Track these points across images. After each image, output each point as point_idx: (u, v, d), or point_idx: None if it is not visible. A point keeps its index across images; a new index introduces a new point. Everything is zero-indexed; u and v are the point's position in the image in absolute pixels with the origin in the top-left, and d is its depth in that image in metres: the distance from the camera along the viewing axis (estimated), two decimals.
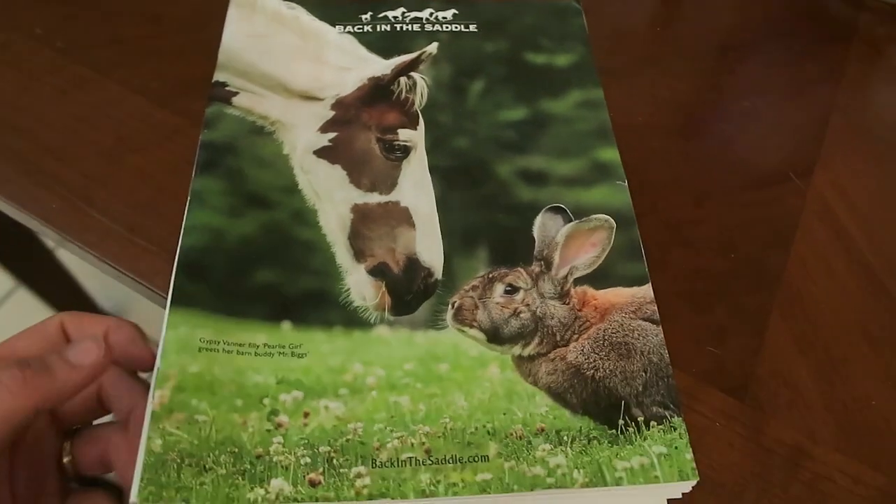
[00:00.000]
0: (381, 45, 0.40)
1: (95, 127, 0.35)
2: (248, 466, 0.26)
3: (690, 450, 0.28)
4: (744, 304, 0.33)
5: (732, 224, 0.36)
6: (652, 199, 0.36)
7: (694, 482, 0.27)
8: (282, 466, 0.26)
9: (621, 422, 0.29)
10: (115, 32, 0.39)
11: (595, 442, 0.28)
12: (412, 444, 0.27)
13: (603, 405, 0.29)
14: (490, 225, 0.34)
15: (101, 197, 0.33)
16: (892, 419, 0.30)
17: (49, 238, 0.34)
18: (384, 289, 0.31)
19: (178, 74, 0.37)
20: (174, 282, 0.30)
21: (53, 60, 0.37)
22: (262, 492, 0.26)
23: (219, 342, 0.29)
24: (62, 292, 0.95)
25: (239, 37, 0.38)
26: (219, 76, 0.37)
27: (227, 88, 0.36)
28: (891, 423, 0.30)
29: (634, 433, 0.28)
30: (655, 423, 0.29)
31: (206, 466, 0.26)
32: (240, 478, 0.26)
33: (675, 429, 0.28)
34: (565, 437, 0.28)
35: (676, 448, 0.28)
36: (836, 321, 0.33)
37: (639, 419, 0.29)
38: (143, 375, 0.28)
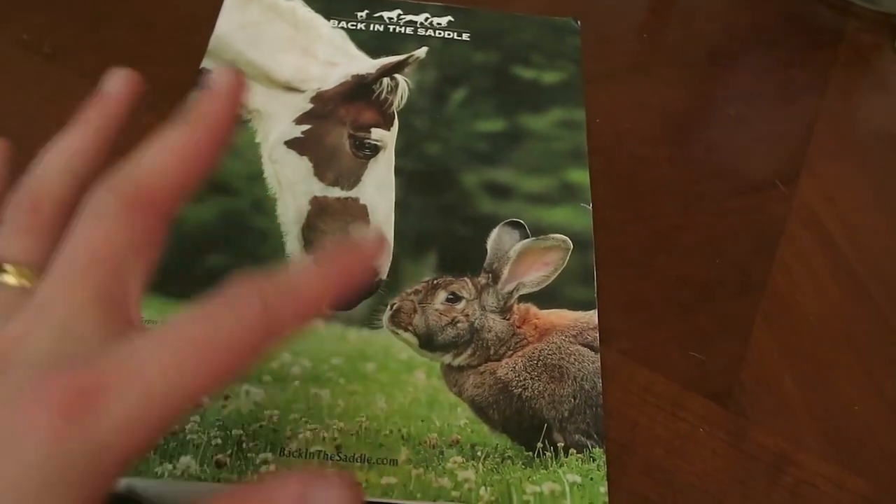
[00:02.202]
0: (372, 44, 0.40)
1: None
2: (162, 442, 0.27)
3: (606, 483, 0.27)
4: (728, 310, 0.33)
5: (718, 231, 0.35)
6: (638, 205, 0.36)
7: None
8: (193, 445, 0.27)
9: (540, 445, 0.28)
10: (102, 38, 0.39)
11: (509, 461, 0.28)
12: (324, 438, 0.27)
13: (524, 425, 0.29)
14: (445, 232, 0.33)
15: None
16: (875, 425, 0.30)
17: None
18: None
19: (166, 79, 0.37)
20: None
21: (40, 66, 0.37)
22: (169, 467, 0.26)
23: (158, 322, 0.29)
24: None
25: (232, 26, 0.39)
26: (206, 64, 0.38)
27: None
28: (873, 430, 0.30)
29: (551, 458, 0.28)
30: (575, 451, 0.28)
31: None
32: (151, 452, 0.26)
33: (594, 459, 0.28)
34: (479, 453, 0.28)
35: (592, 479, 0.27)
36: (820, 328, 0.32)
37: (558, 444, 0.28)
38: None
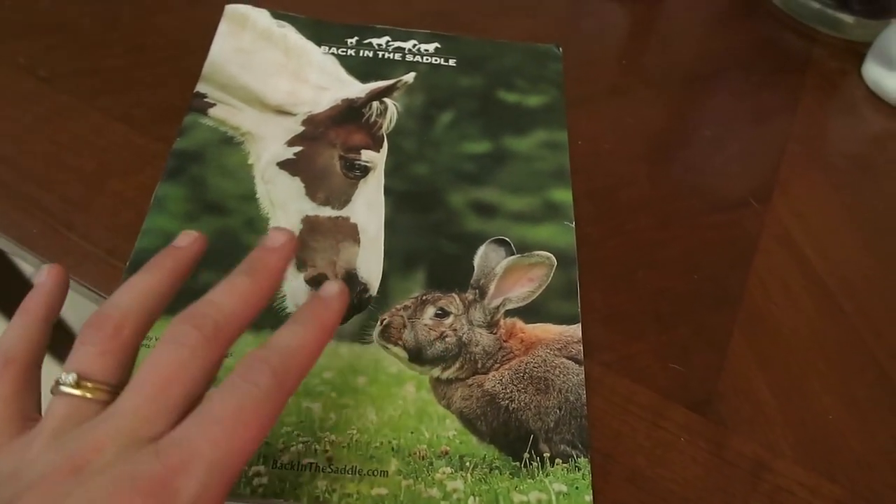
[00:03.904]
0: (362, 69, 0.41)
1: (77, 153, 0.36)
2: None
3: (591, 492, 0.28)
4: (706, 322, 0.34)
5: (695, 246, 0.37)
6: (618, 221, 0.37)
7: None
8: None
9: (526, 455, 0.29)
10: (97, 62, 0.40)
11: (497, 471, 0.28)
12: (315, 451, 0.28)
13: (511, 436, 0.29)
14: (433, 250, 0.34)
15: (80, 221, 0.34)
16: (848, 433, 0.31)
17: (28, 263, 0.34)
18: None
19: (158, 102, 0.39)
20: (122, 282, 0.31)
21: (36, 89, 0.38)
22: None
23: (151, 338, 0.30)
24: None
25: (225, 51, 0.41)
26: (200, 88, 0.39)
27: (205, 100, 0.38)
28: (847, 437, 0.31)
29: (538, 468, 0.29)
30: (560, 461, 0.29)
31: None
32: None
33: (579, 469, 0.29)
34: (468, 463, 0.28)
35: (577, 488, 0.28)
36: (794, 339, 0.34)
37: (545, 455, 0.29)
38: None
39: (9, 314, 0.90)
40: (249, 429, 0.19)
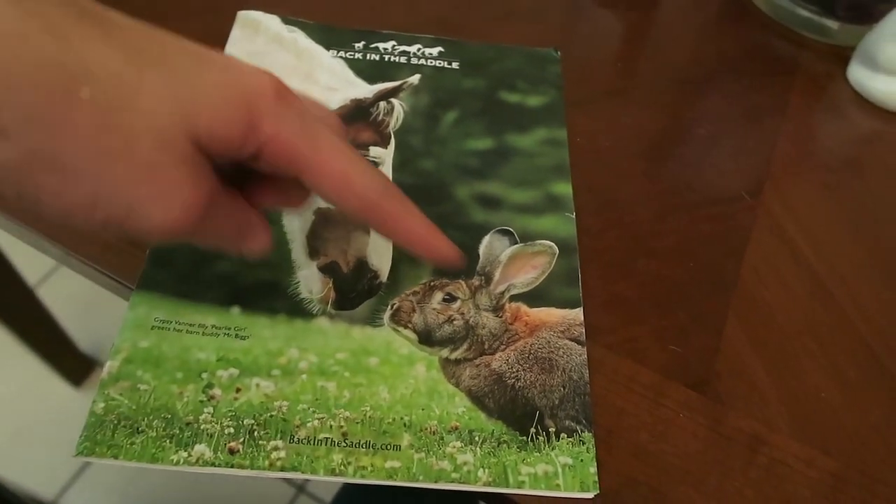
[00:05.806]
0: (369, 72, 0.43)
1: None
2: (177, 431, 0.28)
3: (595, 464, 0.29)
4: (703, 307, 0.35)
5: (691, 236, 0.38)
6: (618, 214, 0.39)
7: (593, 494, 0.28)
8: (207, 434, 0.28)
9: (533, 430, 0.30)
10: None
11: (504, 445, 0.29)
12: (331, 426, 0.29)
13: (518, 413, 0.31)
14: None
15: None
16: (840, 409, 0.32)
17: (49, 255, 0.35)
18: (331, 285, 0.34)
19: None
20: (144, 268, 0.33)
21: None
22: (185, 454, 0.28)
23: (171, 322, 0.32)
24: (41, 333, 0.96)
25: (239, 54, 0.42)
26: None
27: None
28: (839, 413, 0.32)
29: (544, 442, 0.30)
30: (566, 436, 0.30)
31: (139, 429, 0.28)
32: (168, 441, 0.28)
33: (583, 443, 0.30)
34: (477, 438, 0.30)
35: (582, 461, 0.29)
36: (786, 322, 0.35)
37: (550, 430, 0.30)
38: None
39: (6, 319, 0.91)
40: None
